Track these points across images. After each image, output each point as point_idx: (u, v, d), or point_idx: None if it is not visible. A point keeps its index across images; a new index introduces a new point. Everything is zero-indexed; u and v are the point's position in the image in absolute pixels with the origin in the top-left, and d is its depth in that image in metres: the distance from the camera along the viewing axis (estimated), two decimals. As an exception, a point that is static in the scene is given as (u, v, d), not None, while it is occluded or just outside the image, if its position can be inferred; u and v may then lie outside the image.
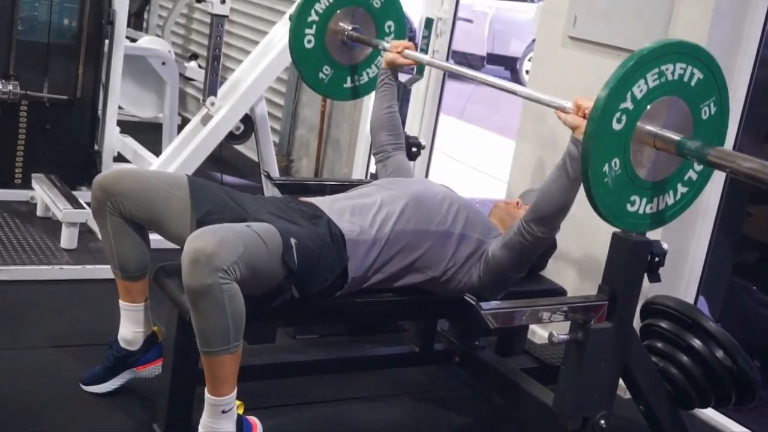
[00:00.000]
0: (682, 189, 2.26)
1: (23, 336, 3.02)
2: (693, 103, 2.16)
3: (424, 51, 3.80)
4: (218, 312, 2.19)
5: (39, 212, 4.04)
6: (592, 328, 2.30)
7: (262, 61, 4.07)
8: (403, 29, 3.41)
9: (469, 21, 10.97)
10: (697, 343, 2.55)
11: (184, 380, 2.53)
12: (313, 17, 3.24)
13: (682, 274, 3.23)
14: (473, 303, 2.25)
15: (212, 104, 3.93)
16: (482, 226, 2.70)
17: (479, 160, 7.16)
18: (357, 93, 3.45)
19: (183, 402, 2.53)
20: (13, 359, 2.86)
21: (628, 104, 2.05)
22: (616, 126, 2.06)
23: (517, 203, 2.91)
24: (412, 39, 3.70)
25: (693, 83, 2.14)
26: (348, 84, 3.40)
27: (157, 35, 6.47)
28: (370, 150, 3.70)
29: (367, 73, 3.40)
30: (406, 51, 3.11)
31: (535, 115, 3.57)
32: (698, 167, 2.25)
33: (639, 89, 2.05)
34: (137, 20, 6.44)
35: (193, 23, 6.90)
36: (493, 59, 11.83)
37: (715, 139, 2.20)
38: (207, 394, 2.31)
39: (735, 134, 3.09)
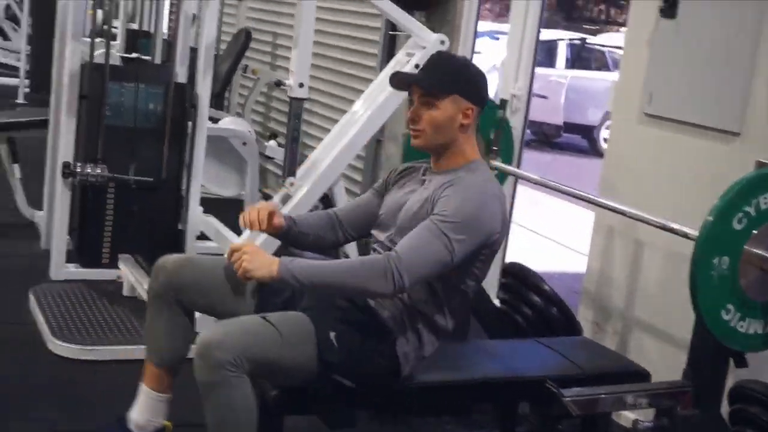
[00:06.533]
0: None
1: (112, 416, 3.05)
2: None
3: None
4: (226, 406, 2.22)
5: (125, 291, 4.14)
6: (679, 415, 2.25)
7: (342, 140, 4.12)
8: None
9: (544, 97, 10.96)
10: (788, 429, 2.47)
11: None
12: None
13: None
14: (554, 390, 2.23)
15: (291, 185, 4.00)
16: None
17: (557, 231, 7.11)
18: None
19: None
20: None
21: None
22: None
23: None
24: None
25: None
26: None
27: (238, 113, 6.64)
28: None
29: None
30: None
31: (614, 185, 3.55)
32: None
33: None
34: (218, 100, 6.59)
35: (272, 101, 7.05)
36: (570, 128, 11.83)
37: None
38: None
39: None
